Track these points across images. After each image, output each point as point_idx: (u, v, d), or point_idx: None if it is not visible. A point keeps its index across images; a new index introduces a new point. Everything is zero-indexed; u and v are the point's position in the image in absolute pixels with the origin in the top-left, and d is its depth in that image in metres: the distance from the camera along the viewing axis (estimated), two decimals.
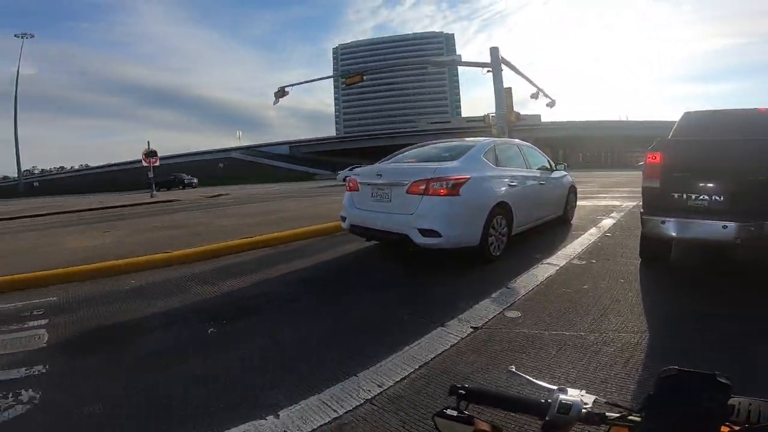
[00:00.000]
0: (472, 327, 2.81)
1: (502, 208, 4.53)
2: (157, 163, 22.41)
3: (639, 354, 2.37)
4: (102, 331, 3.12)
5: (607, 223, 6.83)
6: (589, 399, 0.65)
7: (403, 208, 4.25)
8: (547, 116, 50.43)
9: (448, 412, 0.68)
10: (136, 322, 3.27)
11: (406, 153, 5.54)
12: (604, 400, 0.67)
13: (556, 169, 6.56)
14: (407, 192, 4.23)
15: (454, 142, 5.44)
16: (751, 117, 4.30)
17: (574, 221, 6.89)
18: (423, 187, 4.12)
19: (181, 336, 2.99)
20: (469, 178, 4.17)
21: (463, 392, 0.69)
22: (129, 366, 2.57)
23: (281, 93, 17.53)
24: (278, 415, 1.93)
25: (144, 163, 21.97)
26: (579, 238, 5.55)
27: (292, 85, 18.34)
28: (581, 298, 3.31)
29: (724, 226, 3.02)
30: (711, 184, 3.24)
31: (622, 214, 7.67)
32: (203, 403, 2.08)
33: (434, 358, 2.42)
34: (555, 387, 0.67)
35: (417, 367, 2.31)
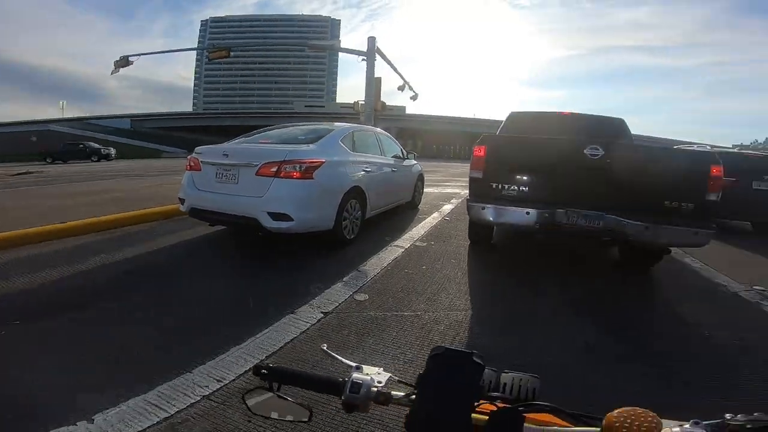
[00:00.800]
0: (322, 312, 2.84)
1: (357, 193, 4.69)
2: None
3: (463, 332, 2.71)
4: None
5: (448, 208, 7.72)
6: (384, 377, 0.66)
7: (251, 191, 4.02)
8: (411, 108, 54.47)
9: (257, 391, 0.68)
10: None
11: (262, 134, 5.31)
12: (397, 378, 0.69)
13: (407, 158, 7.10)
14: (257, 174, 4.01)
15: (314, 126, 5.43)
16: (554, 119, 5.33)
17: (421, 206, 7.59)
18: (274, 169, 3.97)
19: None
20: (323, 162, 4.17)
21: (266, 372, 0.68)
22: None
23: (123, 62, 15.28)
24: (93, 419, 1.68)
25: None
26: (423, 222, 6.15)
27: (140, 54, 15.82)
28: (420, 278, 3.67)
29: (527, 213, 3.60)
30: (519, 176, 3.82)
31: (461, 200, 8.71)
32: (9, 412, 1.74)
33: (283, 346, 2.38)
34: (354, 365, 0.67)
35: (264, 357, 2.24)
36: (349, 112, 18.68)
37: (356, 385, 0.63)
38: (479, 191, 3.91)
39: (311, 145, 4.42)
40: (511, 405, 0.59)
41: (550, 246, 5.14)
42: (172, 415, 1.75)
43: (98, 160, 27.76)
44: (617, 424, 0.49)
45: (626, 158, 3.63)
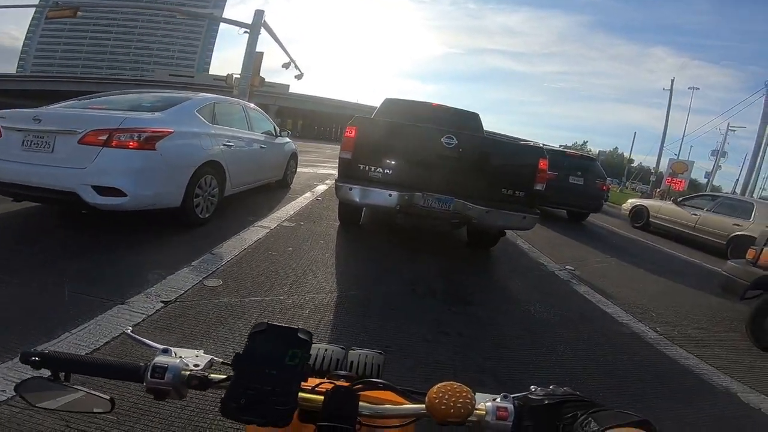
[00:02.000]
0: (162, 301, 2.46)
1: (214, 168, 4.23)
2: None
3: (329, 314, 2.66)
4: None
5: (321, 188, 7.61)
6: (203, 360, 0.59)
7: (71, 161, 3.28)
8: (295, 88, 51.95)
9: (35, 381, 0.57)
10: None
11: (97, 99, 4.40)
12: (221, 360, 0.61)
13: (281, 136, 6.75)
14: (80, 142, 3.29)
15: (166, 94, 4.82)
16: (424, 108, 5.65)
17: (292, 186, 7.31)
18: (104, 137, 3.29)
19: None
20: (171, 132, 3.62)
21: (37, 359, 0.56)
22: None
23: None
24: None
25: None
26: (293, 202, 5.92)
27: None
28: (285, 260, 3.50)
29: (390, 195, 3.73)
30: (384, 159, 3.96)
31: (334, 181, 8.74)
32: None
33: (108, 342, 1.99)
34: (161, 347, 0.60)
35: (83, 353, 1.83)
36: (222, 85, 17.34)
37: (159, 369, 0.56)
38: (348, 172, 3.93)
39: (157, 114, 3.83)
40: (352, 382, 0.59)
41: (412, 227, 5.48)
42: None
43: None
44: (437, 400, 0.51)
45: (474, 149, 4.05)
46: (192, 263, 3.09)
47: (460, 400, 0.51)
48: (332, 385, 0.58)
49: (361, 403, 0.55)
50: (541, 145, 10.18)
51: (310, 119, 58.87)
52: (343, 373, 0.67)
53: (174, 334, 2.17)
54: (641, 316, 3.58)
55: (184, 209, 3.82)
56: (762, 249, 3.63)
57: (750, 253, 3.76)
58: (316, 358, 0.77)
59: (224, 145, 4.47)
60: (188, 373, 0.56)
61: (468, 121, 5.69)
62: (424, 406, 0.53)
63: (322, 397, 0.55)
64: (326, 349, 0.79)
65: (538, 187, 3.99)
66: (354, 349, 0.79)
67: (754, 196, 18.41)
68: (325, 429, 0.52)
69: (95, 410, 0.59)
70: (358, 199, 3.81)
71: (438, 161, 3.91)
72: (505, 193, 3.99)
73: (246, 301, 2.65)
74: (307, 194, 6.75)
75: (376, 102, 6.80)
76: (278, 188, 6.78)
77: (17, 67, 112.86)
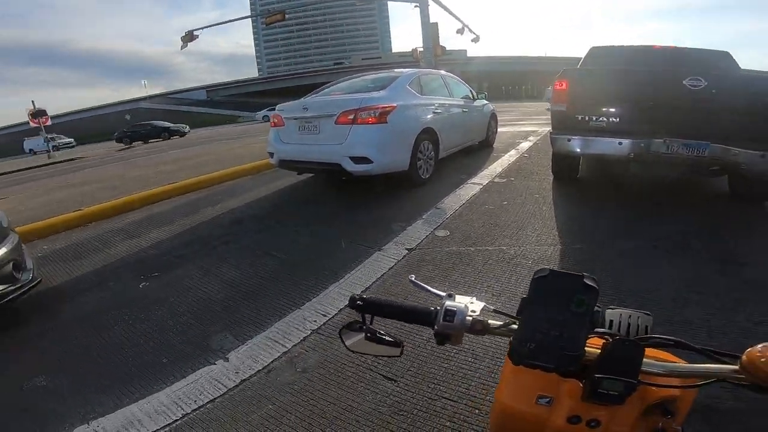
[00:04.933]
0: (406, 249, 2.97)
1: (429, 134, 4.69)
2: (49, 123, 19.58)
3: (554, 265, 2.64)
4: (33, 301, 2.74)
5: (525, 146, 7.30)
6: (477, 306, 0.62)
7: (333, 139, 4.25)
8: (473, 51, 50.99)
9: (352, 327, 0.68)
10: (67, 285, 2.99)
11: (332, 87, 5.48)
12: (492, 308, 0.64)
13: (478, 99, 6.84)
14: (336, 123, 4.22)
15: (380, 74, 5.49)
16: (645, 52, 4.72)
17: (495, 145, 7.28)
18: (351, 116, 4.14)
19: (119, 291, 2.81)
20: (395, 107, 4.23)
21: (360, 303, 0.67)
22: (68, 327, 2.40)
23: (189, 37, 16.34)
24: (227, 357, 1.94)
25: (32, 124, 19.01)
26: (499, 160, 5.93)
27: (202, 28, 16.86)
28: (502, 213, 3.62)
29: (620, 143, 3.40)
30: (608, 108, 3.58)
31: (539, 138, 8.19)
32: (152, 358, 2.03)
33: (374, 282, 2.55)
34: (445, 293, 0.64)
35: (360, 291, 2.42)
36: (408, 60, 18.29)
37: (450, 313, 0.59)
38: (563, 124, 3.74)
39: (381, 92, 4.51)
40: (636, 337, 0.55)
41: (643, 180, 4.71)
42: (289, 349, 1.97)
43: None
44: (764, 359, 0.44)
45: (734, 88, 3.30)
46: (423, 216, 3.58)
47: None
48: (604, 340, 0.54)
49: (646, 360, 0.52)
50: None
51: (496, 80, 55.95)
52: (603, 331, 0.59)
53: (420, 277, 2.59)
54: None
55: (411, 171, 4.43)
56: None
57: None
58: (597, 312, 0.69)
59: (434, 112, 4.88)
60: (471, 318, 0.59)
61: (716, 60, 4.40)
62: (734, 366, 0.48)
63: (598, 350, 0.52)
64: None
65: None
66: (613, 308, 0.71)
67: None
68: (602, 381, 0.50)
69: (389, 355, 0.67)
70: (579, 150, 3.62)
71: (682, 105, 3.30)
72: None
73: (471, 250, 2.90)
74: (512, 152, 6.61)
75: (567, 53, 5.93)
76: (482, 149, 6.87)
77: (258, 71, 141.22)
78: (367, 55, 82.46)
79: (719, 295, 2.25)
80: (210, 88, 66.70)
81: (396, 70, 5.61)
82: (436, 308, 0.62)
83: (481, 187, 4.46)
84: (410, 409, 1.55)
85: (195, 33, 16.41)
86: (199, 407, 1.67)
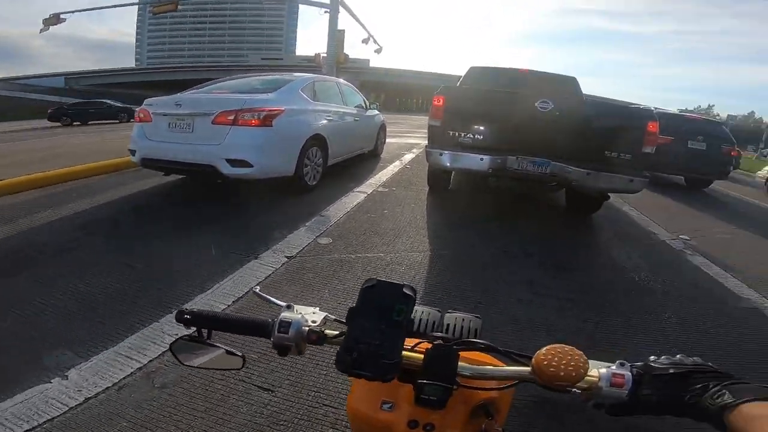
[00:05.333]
0: (286, 256, 2.92)
1: (318, 140, 4.71)
2: None
3: (423, 271, 2.90)
4: None
5: (409, 157, 7.83)
6: (318, 316, 0.63)
7: (208, 139, 3.97)
8: (375, 62, 52.52)
9: (185, 340, 0.64)
10: None
11: (216, 84, 5.18)
12: (333, 317, 0.66)
13: (370, 109, 7.11)
14: (213, 122, 3.97)
15: (273, 76, 5.37)
16: (512, 74, 5.44)
17: (383, 155, 7.66)
18: (232, 117, 3.93)
19: None
20: (283, 110, 4.16)
21: (189, 317, 0.63)
22: None
23: (54, 20, 14.31)
24: (66, 375, 1.69)
25: None
26: (385, 170, 6.27)
27: (73, 12, 14.56)
28: (382, 222, 3.82)
29: (481, 159, 3.80)
30: (474, 125, 3.99)
31: (421, 150, 8.77)
32: None
33: (247, 293, 2.41)
34: (284, 304, 0.64)
35: (231, 302, 2.29)
36: (310, 65, 18.14)
37: (285, 325, 0.59)
38: (437, 139, 4.05)
39: (270, 94, 4.39)
40: (452, 342, 0.59)
41: (503, 192, 5.43)
42: (145, 365, 1.78)
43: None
44: (545, 362, 0.49)
45: (573, 112, 3.87)
46: (306, 224, 3.57)
47: (572, 364, 0.48)
48: (431, 344, 0.57)
49: (461, 364, 0.55)
50: (653, 109, 9.08)
51: (392, 92, 58.82)
52: (439, 334, 0.64)
53: (297, 285, 2.57)
54: None
55: (296, 177, 4.37)
56: None
57: None
58: (413, 320, 0.73)
59: (325, 119, 4.92)
60: (308, 328, 0.60)
61: (564, 85, 5.34)
62: (529, 368, 0.52)
63: (421, 356, 0.55)
64: (423, 311, 0.76)
65: (647, 149, 3.69)
66: (450, 312, 0.76)
67: None
68: (424, 387, 0.53)
69: (230, 367, 0.65)
70: (448, 164, 3.95)
71: (533, 125, 3.82)
72: (609, 155, 3.77)
73: (352, 257, 3.00)
74: (396, 162, 7.03)
75: (458, 71, 6.66)
76: (370, 158, 7.16)
77: (135, 61, 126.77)
78: (267, 56, 79.04)
79: (556, 296, 2.70)
80: (71, 76, 57.37)
81: (295, 73, 5.54)
82: (273, 320, 0.61)
83: (366, 195, 4.64)
84: (290, 418, 1.53)
85: (62, 16, 14.27)
86: (33, 428, 1.43)
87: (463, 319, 0.73)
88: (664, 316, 2.61)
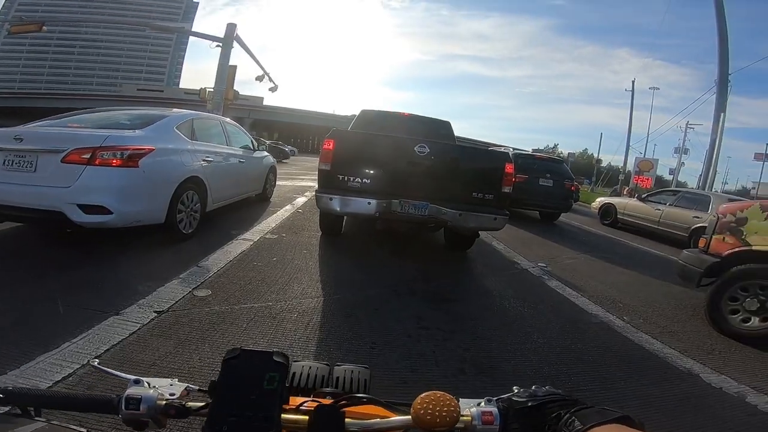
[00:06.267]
0: (155, 311, 2.56)
1: (195, 184, 4.34)
2: None
3: (317, 317, 2.80)
4: None
5: (301, 201, 7.73)
6: (178, 388, 0.58)
7: (55, 180, 3.34)
8: (269, 100, 51.73)
9: (9, 418, 0.55)
10: None
11: (71, 117, 4.43)
12: (197, 388, 0.60)
13: (259, 150, 6.90)
14: (64, 161, 3.35)
15: (144, 111, 4.85)
16: (398, 119, 5.86)
17: (272, 199, 7.41)
18: (87, 155, 3.36)
19: None
20: (153, 149, 3.72)
21: (2, 396, 0.54)
22: None
23: None
24: None
25: None
26: (274, 215, 6.04)
27: None
28: (270, 270, 3.61)
29: (369, 203, 3.92)
30: (362, 169, 4.14)
31: (314, 193, 8.85)
32: None
33: (108, 350, 2.09)
34: (132, 378, 0.58)
35: (84, 363, 1.91)
36: (194, 100, 17.23)
37: (133, 401, 0.55)
38: (327, 182, 4.09)
39: (138, 131, 3.92)
40: (337, 399, 0.59)
41: (391, 234, 5.66)
42: None
43: None
44: (422, 411, 0.52)
45: (445, 156, 4.29)
46: (180, 276, 3.18)
47: (445, 409, 0.52)
48: (317, 403, 0.56)
49: (347, 420, 0.55)
50: (512, 149, 10.63)
51: (286, 131, 58.55)
52: (328, 390, 0.66)
53: (171, 341, 2.26)
54: (609, 307, 3.81)
55: (168, 225, 3.91)
56: (711, 237, 3.94)
57: (701, 242, 4.07)
58: (300, 377, 0.75)
59: (204, 160, 4.57)
60: (164, 402, 0.56)
61: (440, 128, 5.94)
62: (410, 417, 0.53)
63: (307, 417, 0.54)
64: (310, 367, 0.76)
65: (506, 189, 4.25)
66: (339, 365, 0.77)
67: (714, 189, 19.54)
68: None
69: None
70: (338, 209, 3.97)
71: (412, 169, 4.11)
72: (476, 196, 4.22)
73: (236, 309, 2.76)
74: (288, 207, 6.87)
75: (351, 111, 7.00)
76: (258, 202, 6.89)
77: None
78: (145, 86, 71.81)
79: (440, 328, 2.85)
80: None
81: (173, 109, 5.12)
82: (119, 396, 0.56)
83: (252, 243, 4.36)
84: None
85: None
86: None
87: (352, 371, 0.75)
88: (533, 337, 2.94)
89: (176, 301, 2.75)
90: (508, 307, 3.49)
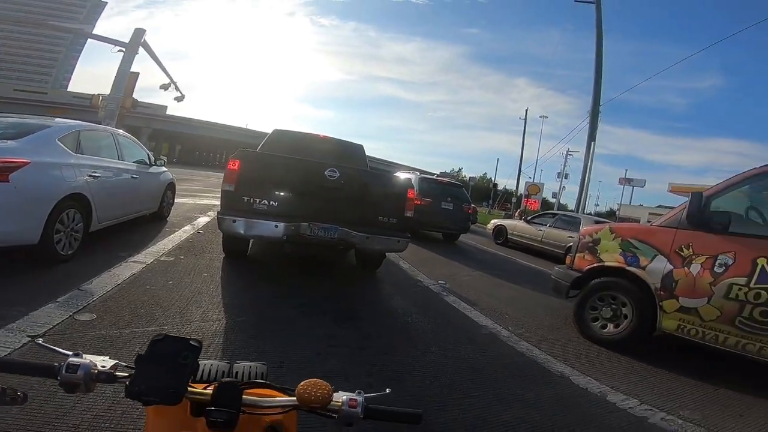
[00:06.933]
0: (29, 336, 2.28)
1: (78, 201, 3.90)
2: None
3: (218, 339, 2.71)
4: None
5: (203, 221, 7.28)
6: (109, 363, 0.70)
7: None
8: (173, 109, 47.16)
9: None
10: None
11: None
12: (125, 364, 0.72)
13: (156, 165, 6.41)
14: None
15: (20, 119, 4.29)
16: (311, 140, 5.82)
17: (170, 218, 6.88)
18: None
19: None
20: (28, 163, 3.30)
21: None
22: None
23: None
24: None
25: None
26: (172, 235, 5.62)
27: None
28: (165, 293, 3.38)
29: (276, 226, 3.89)
30: (270, 192, 4.10)
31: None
32: None
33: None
34: (71, 353, 0.69)
35: None
36: (84, 105, 15.32)
37: (73, 367, 0.65)
38: (231, 204, 3.99)
39: (11, 142, 3.46)
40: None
41: (300, 255, 5.64)
42: None
43: None
44: (304, 393, 0.67)
45: (354, 180, 4.45)
46: (58, 299, 2.84)
47: (320, 392, 0.67)
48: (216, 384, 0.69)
49: (244, 397, 0.67)
50: (418, 174, 11.31)
51: (191, 144, 54.04)
52: (228, 380, 0.75)
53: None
54: (497, 318, 4.23)
55: (43, 246, 3.45)
56: (575, 255, 4.67)
57: (568, 259, 4.81)
58: (203, 372, 0.86)
59: (90, 176, 4.14)
60: (97, 371, 0.67)
61: (352, 152, 6.04)
62: (295, 398, 0.68)
63: (211, 391, 0.67)
64: (212, 364, 0.88)
65: (408, 213, 4.56)
66: (238, 362, 0.89)
67: (588, 211, 22.67)
68: (214, 413, 0.64)
69: (8, 403, 0.66)
70: (242, 231, 3.88)
71: (322, 192, 4.19)
72: (382, 220, 4.45)
73: (126, 333, 2.56)
74: (187, 227, 6.42)
75: (266, 127, 6.81)
76: (154, 221, 6.34)
77: None
78: (24, 86, 59.52)
79: (349, 345, 2.95)
80: None
81: (56, 119, 4.57)
82: (60, 363, 0.66)
83: (145, 266, 4.01)
84: None
85: None
86: None
87: (251, 367, 0.89)
88: (432, 350, 3.18)
89: (54, 326, 2.47)
90: (411, 323, 3.73)
